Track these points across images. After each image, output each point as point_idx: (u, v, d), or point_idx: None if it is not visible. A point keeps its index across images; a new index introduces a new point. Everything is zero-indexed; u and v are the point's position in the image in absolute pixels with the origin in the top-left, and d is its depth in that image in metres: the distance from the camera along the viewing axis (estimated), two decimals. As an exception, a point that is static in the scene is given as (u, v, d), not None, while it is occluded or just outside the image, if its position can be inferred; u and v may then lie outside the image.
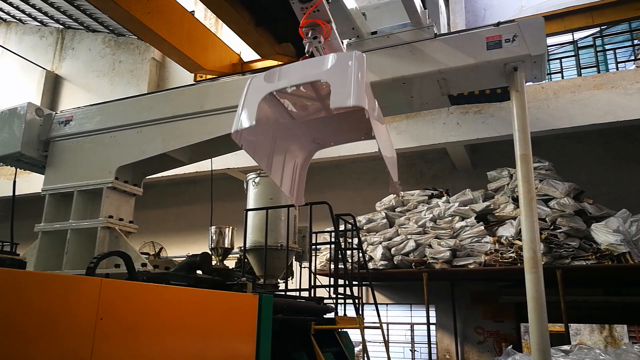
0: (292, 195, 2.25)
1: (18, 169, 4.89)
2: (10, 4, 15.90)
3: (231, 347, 2.66)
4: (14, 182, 4.92)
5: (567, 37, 11.08)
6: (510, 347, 3.92)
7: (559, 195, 8.93)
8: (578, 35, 10.92)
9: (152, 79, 13.73)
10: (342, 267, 5.78)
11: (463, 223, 9.41)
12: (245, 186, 6.90)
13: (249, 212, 6.25)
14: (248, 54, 8.59)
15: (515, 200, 9.58)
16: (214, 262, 4.87)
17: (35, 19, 16.63)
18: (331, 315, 5.03)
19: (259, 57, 8.09)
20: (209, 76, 8.36)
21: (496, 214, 9.65)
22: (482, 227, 9.24)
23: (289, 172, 2.32)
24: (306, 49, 2.65)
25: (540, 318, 2.78)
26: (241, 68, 8.76)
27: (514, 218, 9.15)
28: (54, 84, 15.78)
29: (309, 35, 2.66)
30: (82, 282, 1.97)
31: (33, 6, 15.51)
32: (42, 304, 1.72)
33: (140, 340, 2.08)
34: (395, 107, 4.65)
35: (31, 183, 9.73)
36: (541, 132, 8.81)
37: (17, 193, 5.14)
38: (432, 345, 9.46)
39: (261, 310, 2.88)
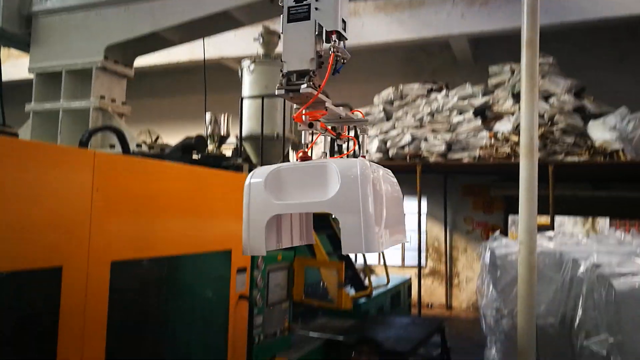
0: (303, 241, 2.03)
1: (4, 51, 4.67)
2: None
3: (228, 224, 2.73)
4: (-1, 62, 4.72)
5: None
6: (497, 232, 4.08)
7: (560, 91, 8.80)
8: None
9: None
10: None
11: (460, 118, 9.36)
12: (240, 74, 6.70)
13: (245, 101, 6.14)
14: None
15: (515, 96, 9.45)
16: (210, 149, 4.87)
17: None
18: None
19: None
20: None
21: (494, 110, 9.57)
22: (479, 122, 9.21)
23: (296, 228, 2.09)
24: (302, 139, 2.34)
25: (531, 200, 2.83)
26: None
27: (512, 113, 9.10)
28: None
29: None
30: (76, 153, 1.96)
31: None
32: (38, 172, 1.71)
33: (136, 214, 2.11)
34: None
35: (19, 68, 9.42)
36: (549, 25, 8.42)
37: (4, 78, 4.96)
38: (422, 234, 9.89)
39: (257, 190, 2.91)
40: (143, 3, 4.20)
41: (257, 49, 6.66)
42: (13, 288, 1.99)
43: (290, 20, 2.01)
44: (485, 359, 4.15)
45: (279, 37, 6.46)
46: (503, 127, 9.05)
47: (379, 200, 1.71)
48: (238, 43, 9.87)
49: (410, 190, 10.73)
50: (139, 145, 3.61)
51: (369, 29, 9.61)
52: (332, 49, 1.92)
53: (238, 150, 6.04)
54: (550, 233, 4.15)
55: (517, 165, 3.03)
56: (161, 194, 2.24)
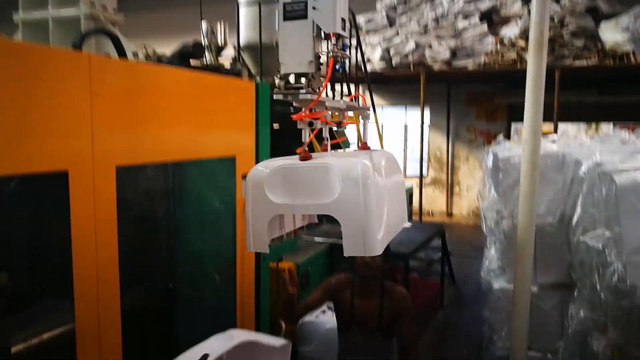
0: (305, 222, 1.96)
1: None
2: None
3: (231, 131, 2.71)
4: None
5: None
6: (500, 136, 4.07)
7: (573, -12, 8.36)
8: None
9: None
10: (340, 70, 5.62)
11: (466, 23, 8.99)
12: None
13: (242, 9, 5.86)
14: None
15: (524, -2, 9.01)
16: (208, 59, 4.74)
17: None
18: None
19: None
20: None
21: (502, 13, 9.17)
22: (485, 27, 8.86)
23: (299, 215, 1.99)
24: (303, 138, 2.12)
25: (537, 95, 2.77)
26: None
27: (520, 17, 8.72)
28: None
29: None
30: (71, 56, 1.90)
31: None
32: (34, 74, 1.67)
33: (137, 120, 2.08)
34: None
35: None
36: None
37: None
38: (424, 144, 9.91)
39: (258, 98, 2.86)
40: None
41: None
42: (24, 193, 2.04)
43: (286, 18, 1.89)
44: (485, 258, 4.32)
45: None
46: (510, 31, 8.72)
47: (380, 200, 1.70)
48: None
49: (414, 101, 10.59)
50: (135, 54, 3.50)
51: None
52: (331, 53, 1.84)
53: (236, 60, 5.87)
54: (554, 136, 4.15)
55: (523, 72, 2.91)
56: (162, 100, 2.20)
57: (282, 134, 4.83)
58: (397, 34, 9.38)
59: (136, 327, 2.60)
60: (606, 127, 9.98)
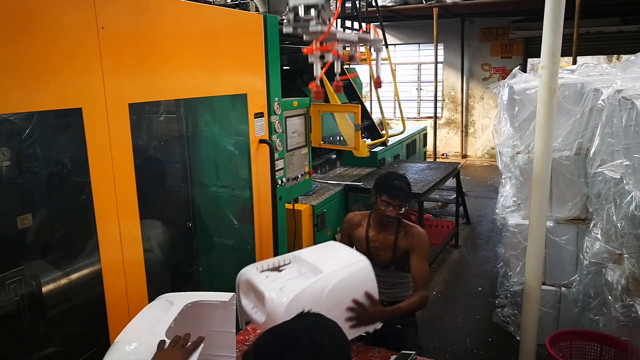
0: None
1: None
2: None
3: (240, 67, 2.66)
4: None
5: None
6: (516, 69, 3.93)
7: None
8: None
9: None
10: (350, 5, 5.45)
11: (481, -49, 8.53)
12: None
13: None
14: None
15: None
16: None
17: None
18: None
19: None
20: None
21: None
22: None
23: None
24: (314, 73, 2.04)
25: (556, 23, 2.64)
26: None
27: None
28: None
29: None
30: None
31: None
32: (38, 4, 1.62)
33: (146, 56, 2.04)
34: None
35: None
36: None
37: None
38: (438, 83, 9.69)
39: (267, 31, 2.78)
40: None
41: None
42: (42, 129, 2.04)
43: None
44: (500, 196, 4.31)
45: None
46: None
47: None
48: None
49: (427, 38, 10.26)
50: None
51: None
52: None
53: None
54: (572, 67, 3.99)
55: (541, 2, 2.76)
56: (170, 35, 2.15)
57: (291, 73, 4.76)
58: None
59: (157, 264, 2.68)
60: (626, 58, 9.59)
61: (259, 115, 2.72)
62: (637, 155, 2.43)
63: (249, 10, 2.81)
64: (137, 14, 2.01)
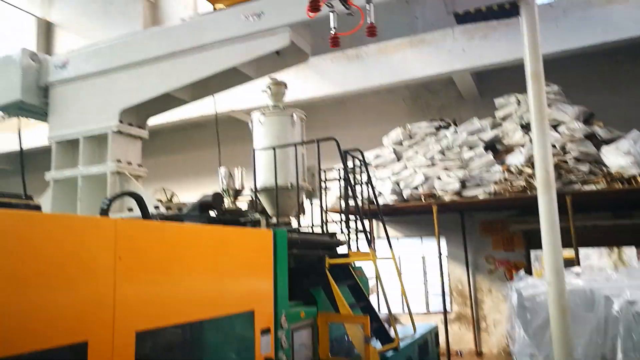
0: None
1: (23, 120, 4.83)
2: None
3: (249, 283, 2.69)
4: (19, 131, 4.87)
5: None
6: (522, 272, 3.96)
7: (569, 119, 8.79)
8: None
9: (145, 20, 13.29)
10: (353, 202, 5.79)
11: (471, 153, 9.35)
12: (250, 126, 6.80)
13: (257, 152, 6.20)
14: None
15: (524, 126, 9.44)
16: (226, 203, 4.89)
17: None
18: (344, 251, 5.09)
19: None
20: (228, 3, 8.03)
21: (505, 142, 9.57)
22: (491, 156, 9.18)
23: None
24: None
25: (554, 238, 2.77)
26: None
27: (523, 145, 9.07)
28: (46, 32, 15.36)
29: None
30: (98, 222, 1.97)
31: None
32: (61, 245, 1.72)
33: (158, 280, 2.09)
34: (399, 27, 4.44)
35: (37, 135, 9.69)
36: (549, 54, 8.50)
37: (24, 147, 5.10)
38: (444, 277, 9.64)
39: (276, 245, 2.89)
40: (153, 65, 4.34)
41: (266, 100, 6.80)
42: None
43: None
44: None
45: (286, 87, 6.59)
46: (515, 159, 9.00)
47: None
48: (247, 96, 10.08)
49: (429, 232, 10.56)
50: (156, 207, 3.64)
51: (372, 72, 9.79)
52: None
53: (254, 203, 6.05)
54: (577, 269, 4.03)
55: (535, 198, 2.97)
56: (182, 257, 2.23)
57: (298, 274, 4.79)
58: (405, 167, 9.73)
59: None
60: (629, 252, 9.73)
61: (265, 331, 2.66)
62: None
63: (260, 226, 2.97)
64: (152, 242, 2.11)
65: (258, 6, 3.89)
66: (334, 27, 2.79)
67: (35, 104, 4.53)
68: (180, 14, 8.93)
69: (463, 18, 4.15)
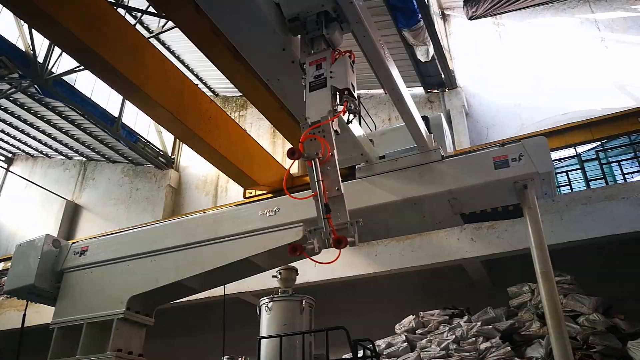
0: None
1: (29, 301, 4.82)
2: (39, 141, 16.97)
3: None
4: (24, 315, 4.83)
5: (570, 151, 11.39)
6: None
7: (587, 310, 8.49)
8: (581, 149, 11.23)
9: (167, 205, 14.11)
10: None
11: (488, 344, 8.87)
12: (258, 312, 6.68)
13: (263, 340, 5.97)
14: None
15: (540, 317, 9.11)
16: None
17: (60, 153, 17.61)
18: None
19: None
20: (259, 191, 8.62)
21: (522, 333, 9.13)
22: (509, 348, 8.68)
23: None
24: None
25: None
26: (291, 182, 9.15)
27: (542, 337, 8.64)
28: (72, 213, 16.25)
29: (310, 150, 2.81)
30: None
31: (59, 142, 16.53)
32: None
33: None
34: (409, 226, 4.66)
35: (41, 314, 9.53)
36: (558, 244, 8.66)
37: (25, 324, 5.01)
38: None
39: None
40: (168, 254, 4.49)
41: (276, 283, 6.79)
42: None
43: (312, 89, 2.76)
44: None
45: (297, 272, 6.64)
46: (535, 352, 8.49)
47: None
48: (256, 278, 10.11)
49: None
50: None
51: (382, 257, 9.94)
52: (343, 99, 2.69)
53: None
54: None
55: None
56: None
57: None
58: (420, 358, 9.18)
59: None
60: None
61: None
62: None
63: None
64: None
65: (275, 203, 4.18)
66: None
67: (46, 289, 4.58)
68: (201, 200, 9.52)
69: (469, 218, 4.39)
